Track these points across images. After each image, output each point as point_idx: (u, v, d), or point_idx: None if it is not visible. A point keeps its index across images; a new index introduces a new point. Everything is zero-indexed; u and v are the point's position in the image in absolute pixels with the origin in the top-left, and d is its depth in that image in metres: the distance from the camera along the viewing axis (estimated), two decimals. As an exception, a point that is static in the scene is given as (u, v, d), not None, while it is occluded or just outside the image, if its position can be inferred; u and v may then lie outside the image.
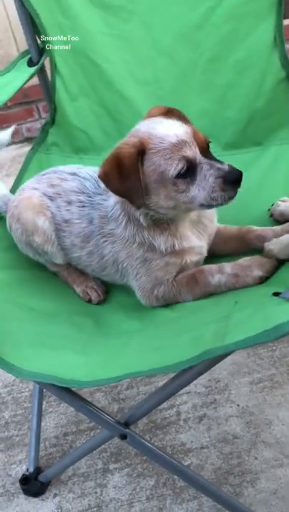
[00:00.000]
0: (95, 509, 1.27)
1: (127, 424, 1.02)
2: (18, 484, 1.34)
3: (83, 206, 1.13)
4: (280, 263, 0.97)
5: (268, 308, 0.74)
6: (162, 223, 1.02)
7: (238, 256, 1.08)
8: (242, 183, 0.91)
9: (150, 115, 1.02)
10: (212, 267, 1.01)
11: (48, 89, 1.45)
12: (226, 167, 0.92)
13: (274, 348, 1.58)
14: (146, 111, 1.36)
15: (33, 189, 1.19)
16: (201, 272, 1.02)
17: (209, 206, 0.97)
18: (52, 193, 1.17)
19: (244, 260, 1.01)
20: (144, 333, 0.99)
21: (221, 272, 0.99)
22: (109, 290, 1.21)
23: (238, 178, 0.91)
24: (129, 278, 1.11)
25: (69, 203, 1.14)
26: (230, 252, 1.12)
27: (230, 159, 1.31)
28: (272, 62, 1.23)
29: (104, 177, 0.96)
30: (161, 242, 1.02)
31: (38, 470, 1.34)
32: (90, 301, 1.18)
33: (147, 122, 0.99)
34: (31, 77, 1.37)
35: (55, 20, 1.35)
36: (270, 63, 1.24)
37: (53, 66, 1.42)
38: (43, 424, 1.49)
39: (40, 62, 1.40)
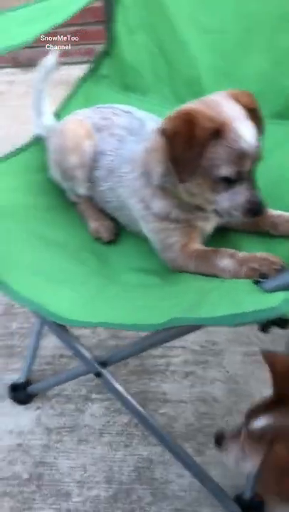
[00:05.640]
0: (68, 429, 1.37)
1: (104, 364, 1.08)
2: (7, 389, 1.46)
3: (119, 141, 1.12)
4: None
5: (241, 293, 0.74)
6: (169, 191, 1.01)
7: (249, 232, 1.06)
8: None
9: (236, 97, 0.95)
10: (228, 250, 0.97)
11: (109, 17, 1.40)
12: (258, 199, 0.94)
13: (279, 326, 1.58)
14: (202, 60, 1.31)
15: (87, 117, 1.20)
16: (215, 252, 0.98)
17: (220, 215, 0.99)
18: (101, 125, 1.17)
19: (258, 254, 0.95)
20: (136, 290, 1.01)
21: (231, 257, 0.94)
22: (120, 236, 1.21)
23: (261, 213, 0.95)
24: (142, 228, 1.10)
25: (111, 135, 1.14)
26: (241, 227, 1.08)
27: (276, 128, 1.26)
28: None
29: (171, 135, 0.91)
30: (157, 205, 1.02)
31: (27, 382, 1.45)
32: (99, 239, 1.20)
33: (232, 106, 0.93)
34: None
35: None
36: None
37: (117, -6, 1.35)
38: (44, 342, 1.58)
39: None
